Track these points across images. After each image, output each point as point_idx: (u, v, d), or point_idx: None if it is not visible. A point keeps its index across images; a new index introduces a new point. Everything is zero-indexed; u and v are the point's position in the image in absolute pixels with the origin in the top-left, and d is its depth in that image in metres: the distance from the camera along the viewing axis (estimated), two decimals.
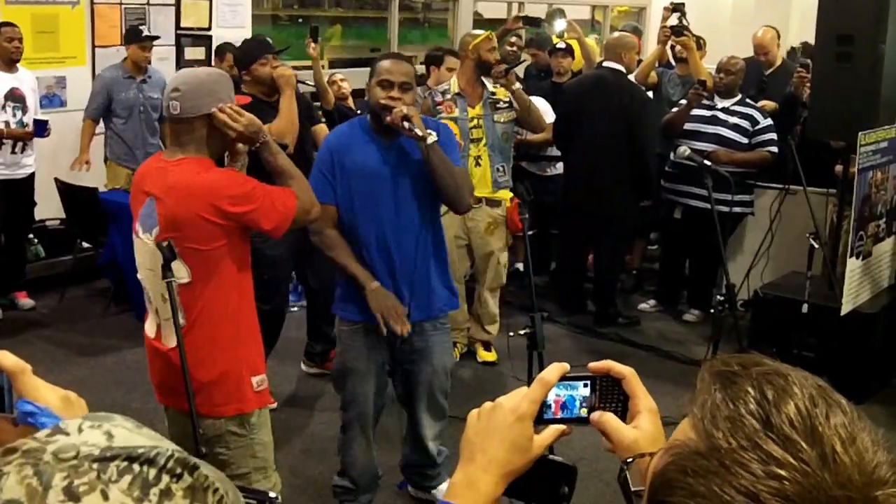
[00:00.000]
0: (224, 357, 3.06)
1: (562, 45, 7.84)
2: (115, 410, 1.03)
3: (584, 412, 1.22)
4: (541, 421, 1.20)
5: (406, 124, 3.40)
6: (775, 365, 0.87)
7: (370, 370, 3.73)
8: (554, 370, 1.21)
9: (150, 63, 7.06)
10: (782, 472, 0.77)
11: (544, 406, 1.20)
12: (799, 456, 0.78)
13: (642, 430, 1.17)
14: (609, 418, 1.19)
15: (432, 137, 3.44)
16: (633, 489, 1.03)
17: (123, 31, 7.37)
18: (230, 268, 3.02)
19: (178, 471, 0.75)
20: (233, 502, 0.80)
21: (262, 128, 3.06)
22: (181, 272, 2.97)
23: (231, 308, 3.06)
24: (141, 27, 7.15)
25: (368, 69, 3.63)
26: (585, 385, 1.22)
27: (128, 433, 0.77)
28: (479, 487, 1.17)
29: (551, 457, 1.21)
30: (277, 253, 4.78)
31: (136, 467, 0.73)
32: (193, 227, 2.93)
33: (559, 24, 8.14)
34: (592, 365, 1.24)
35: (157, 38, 7.12)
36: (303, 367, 5.73)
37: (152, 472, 0.73)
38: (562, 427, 1.21)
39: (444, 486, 3.85)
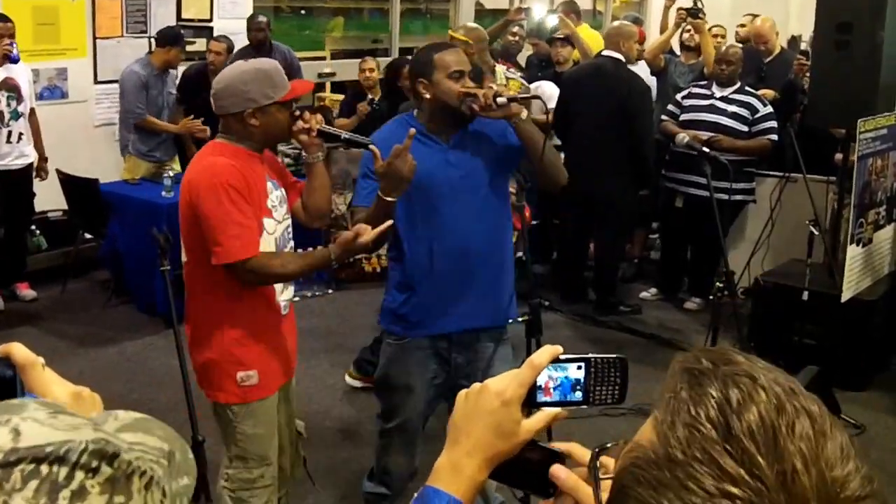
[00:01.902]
0: (210, 344, 3.08)
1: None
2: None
3: (577, 395, 1.16)
4: (533, 404, 1.15)
5: (499, 100, 3.06)
6: (747, 363, 0.82)
7: (415, 386, 3.43)
8: (544, 353, 1.15)
9: None
10: (735, 491, 0.73)
11: (535, 389, 1.15)
12: (755, 473, 0.74)
13: None
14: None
15: (525, 112, 3.13)
16: (599, 478, 0.97)
17: (124, 23, 7.41)
18: (217, 269, 2.93)
19: (94, 464, 0.69)
20: (165, 474, 0.74)
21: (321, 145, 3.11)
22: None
23: (218, 303, 3.04)
24: (177, 30, 7.24)
25: None
26: (579, 367, 1.16)
27: (38, 427, 0.70)
28: (463, 471, 1.13)
29: (541, 443, 1.16)
30: None
31: (43, 469, 0.67)
32: (182, 201, 2.99)
33: (550, 20, 8.14)
34: None
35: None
36: (347, 379, 5.28)
37: (63, 472, 0.67)
38: (555, 411, 1.16)
39: None
